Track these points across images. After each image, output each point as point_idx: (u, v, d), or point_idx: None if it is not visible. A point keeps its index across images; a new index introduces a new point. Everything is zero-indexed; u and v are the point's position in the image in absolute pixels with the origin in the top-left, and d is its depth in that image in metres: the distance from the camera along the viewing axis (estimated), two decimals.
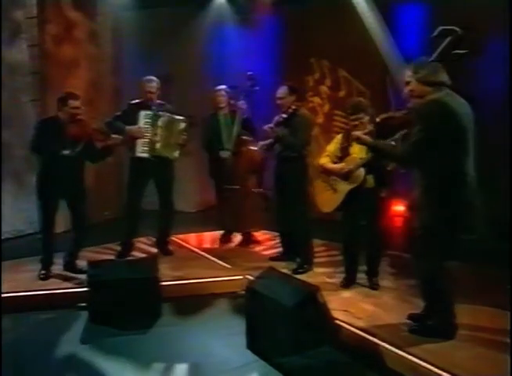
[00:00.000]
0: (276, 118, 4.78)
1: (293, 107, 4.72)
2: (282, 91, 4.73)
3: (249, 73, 5.30)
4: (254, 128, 5.41)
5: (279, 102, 4.75)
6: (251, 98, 5.35)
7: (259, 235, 5.85)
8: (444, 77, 3.23)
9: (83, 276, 4.34)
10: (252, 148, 5.36)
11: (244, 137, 5.41)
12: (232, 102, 5.52)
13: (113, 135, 4.70)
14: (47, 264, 4.69)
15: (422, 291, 3.50)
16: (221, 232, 5.87)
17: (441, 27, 3.20)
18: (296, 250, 4.94)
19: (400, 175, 4.14)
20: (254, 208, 5.50)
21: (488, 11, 5.36)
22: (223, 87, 5.57)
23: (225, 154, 5.46)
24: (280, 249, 5.24)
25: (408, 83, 3.26)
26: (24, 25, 6.21)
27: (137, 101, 5.13)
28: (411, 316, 3.62)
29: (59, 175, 4.50)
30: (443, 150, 3.13)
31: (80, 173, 4.71)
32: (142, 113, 5.03)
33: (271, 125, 4.75)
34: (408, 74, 3.26)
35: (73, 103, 4.54)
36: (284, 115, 4.73)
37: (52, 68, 6.36)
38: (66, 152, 4.47)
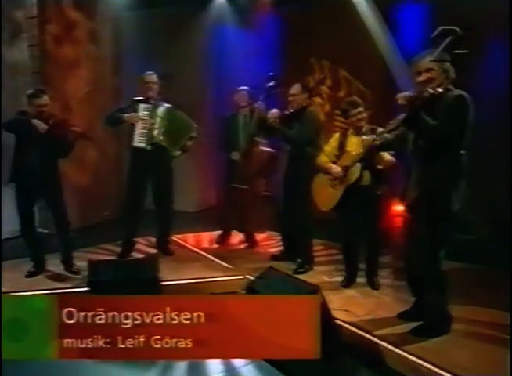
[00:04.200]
0: (282, 113, 4.76)
1: (304, 104, 4.73)
2: (295, 88, 4.74)
3: (270, 73, 5.13)
4: None
5: (290, 98, 4.74)
6: (271, 98, 5.22)
7: (259, 235, 5.84)
8: None
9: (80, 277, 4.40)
10: (264, 149, 5.35)
11: (257, 138, 5.38)
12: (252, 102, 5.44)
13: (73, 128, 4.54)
14: (35, 262, 4.71)
15: (413, 286, 3.59)
16: (219, 232, 5.86)
17: (441, 27, 3.19)
18: (297, 250, 4.94)
19: (398, 174, 4.13)
20: (260, 210, 5.49)
21: (488, 11, 5.36)
22: (245, 87, 5.54)
23: (235, 156, 5.45)
24: (281, 249, 5.25)
25: (429, 70, 3.22)
26: (24, 25, 6.20)
27: (139, 98, 5.13)
28: (401, 315, 3.68)
29: (30, 165, 4.45)
30: (461, 142, 3.19)
31: (51, 167, 4.59)
32: (142, 106, 5.05)
33: (276, 118, 4.71)
34: (430, 61, 3.21)
35: (36, 101, 4.42)
36: (291, 110, 4.72)
37: (52, 68, 6.35)
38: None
